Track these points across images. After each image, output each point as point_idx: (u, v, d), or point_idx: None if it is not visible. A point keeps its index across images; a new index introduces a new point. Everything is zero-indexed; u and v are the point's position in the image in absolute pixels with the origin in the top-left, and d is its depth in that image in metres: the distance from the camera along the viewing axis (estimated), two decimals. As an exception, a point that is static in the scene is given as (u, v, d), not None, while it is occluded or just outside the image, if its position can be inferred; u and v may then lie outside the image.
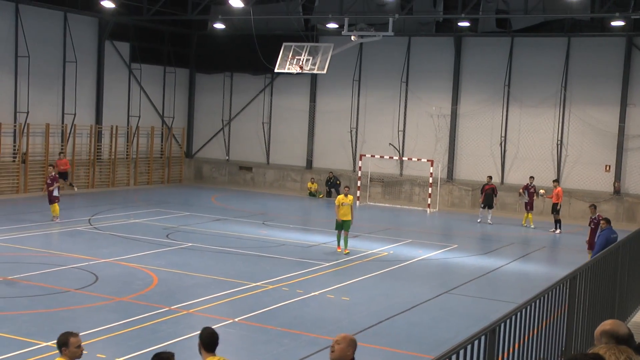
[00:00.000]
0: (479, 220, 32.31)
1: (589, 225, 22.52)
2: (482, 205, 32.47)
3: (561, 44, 35.49)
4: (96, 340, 13.63)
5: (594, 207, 23.16)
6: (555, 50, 35.60)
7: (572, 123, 35.37)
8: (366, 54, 39.37)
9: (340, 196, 23.73)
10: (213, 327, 15.07)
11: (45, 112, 35.46)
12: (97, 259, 20.63)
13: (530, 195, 31.77)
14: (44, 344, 13.27)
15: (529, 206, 31.76)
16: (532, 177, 32.47)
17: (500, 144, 36.60)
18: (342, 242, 23.48)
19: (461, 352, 5.43)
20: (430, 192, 36.10)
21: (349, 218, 23.16)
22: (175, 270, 19.90)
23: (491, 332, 6.00)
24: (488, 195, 32.31)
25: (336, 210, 23.32)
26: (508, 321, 6.33)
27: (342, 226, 23.29)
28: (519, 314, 6.58)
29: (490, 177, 33.39)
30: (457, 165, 37.72)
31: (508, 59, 36.38)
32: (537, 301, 7.13)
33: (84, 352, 8.18)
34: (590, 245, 22.11)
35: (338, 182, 39.22)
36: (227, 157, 43.55)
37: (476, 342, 5.75)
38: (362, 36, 33.06)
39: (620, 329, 5.46)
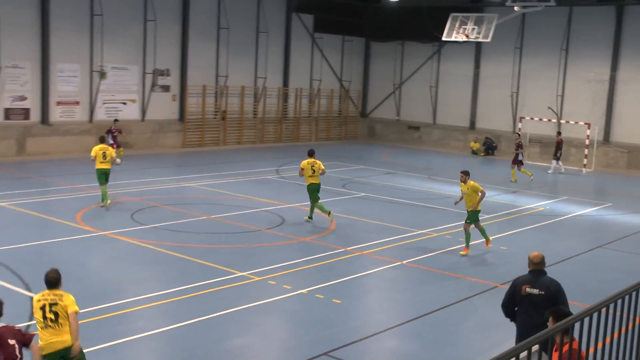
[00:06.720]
0: (549, 172, 32.12)
1: None
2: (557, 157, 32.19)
3: None
4: (283, 274, 14.26)
5: None
6: None
7: None
8: (528, 24, 37.80)
9: (463, 185, 17.40)
10: (383, 268, 15.37)
11: (241, 76, 36.81)
12: (284, 204, 21.41)
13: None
14: (239, 273, 14.05)
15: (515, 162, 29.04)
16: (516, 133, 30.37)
17: (658, 108, 34.29)
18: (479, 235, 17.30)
19: (611, 306, 5.30)
20: (586, 153, 34.47)
21: (470, 209, 16.66)
22: (350, 217, 20.32)
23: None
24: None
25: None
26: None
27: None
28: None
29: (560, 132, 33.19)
30: (614, 128, 35.71)
31: (669, 27, 33.81)
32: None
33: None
34: None
35: (494, 144, 38.31)
36: (397, 117, 43.49)
37: (627, 297, 5.58)
38: (525, 7, 31.96)
39: None
